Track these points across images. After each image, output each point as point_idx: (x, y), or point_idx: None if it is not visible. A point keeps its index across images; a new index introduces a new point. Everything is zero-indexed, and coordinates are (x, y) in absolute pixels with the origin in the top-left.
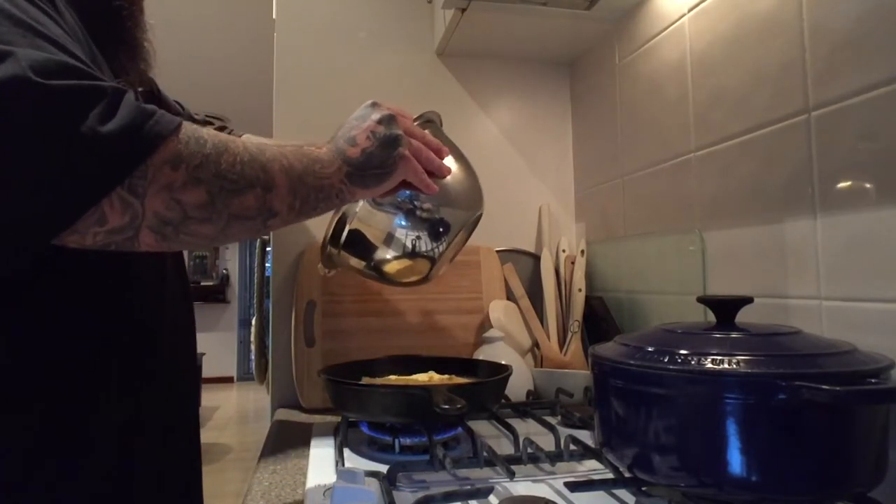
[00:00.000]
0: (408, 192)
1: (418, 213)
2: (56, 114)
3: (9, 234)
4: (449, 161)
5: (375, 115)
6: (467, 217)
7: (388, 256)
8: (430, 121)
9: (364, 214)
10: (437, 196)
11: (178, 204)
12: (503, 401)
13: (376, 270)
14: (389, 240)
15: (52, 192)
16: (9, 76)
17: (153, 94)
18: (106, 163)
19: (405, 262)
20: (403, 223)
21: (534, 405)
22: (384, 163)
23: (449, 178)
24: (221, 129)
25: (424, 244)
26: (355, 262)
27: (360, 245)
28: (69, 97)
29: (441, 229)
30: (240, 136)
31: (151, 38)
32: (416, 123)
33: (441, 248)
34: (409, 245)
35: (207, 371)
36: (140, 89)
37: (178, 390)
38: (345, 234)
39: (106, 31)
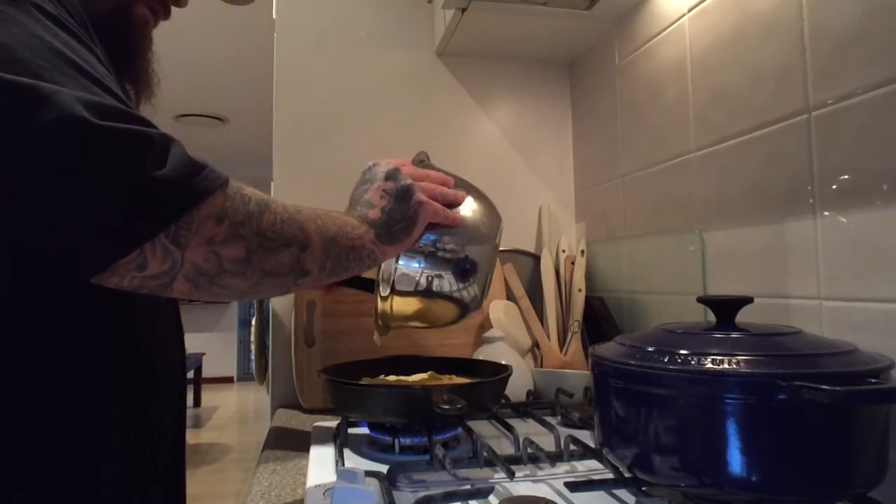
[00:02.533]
0: (432, 236)
1: (442, 253)
2: (110, 155)
3: (51, 270)
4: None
5: (380, 174)
6: (493, 232)
7: (440, 306)
8: (422, 161)
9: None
10: (461, 226)
11: (216, 257)
12: (503, 401)
13: (436, 321)
14: (435, 293)
15: (97, 232)
16: (66, 115)
17: None
18: (153, 209)
19: (454, 303)
20: (441, 269)
21: (534, 405)
22: (405, 215)
23: (463, 206)
24: None
25: (465, 277)
26: (413, 322)
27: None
28: (123, 140)
29: (474, 256)
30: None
31: (157, 68)
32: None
33: (484, 271)
34: (453, 286)
35: (207, 371)
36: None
37: (171, 397)
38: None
39: (118, 60)
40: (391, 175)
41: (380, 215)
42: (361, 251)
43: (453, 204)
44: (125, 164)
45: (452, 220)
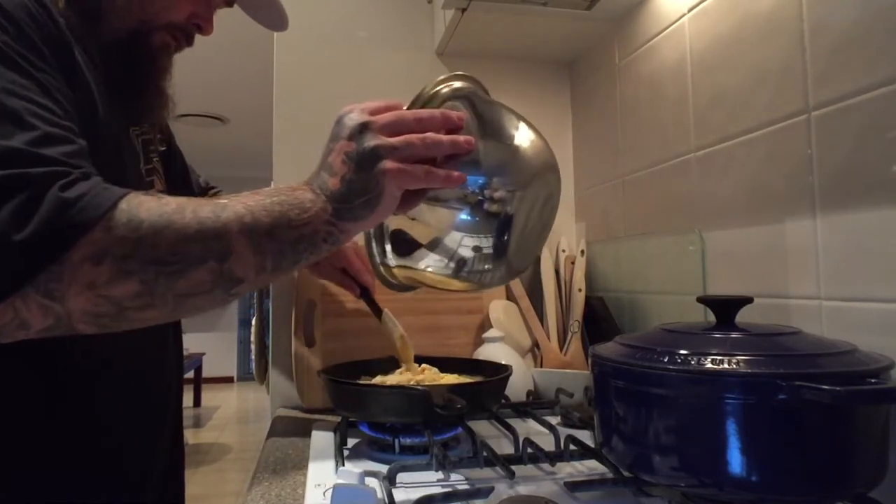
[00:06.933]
0: (480, 180)
1: (487, 204)
2: None
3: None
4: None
5: (344, 131)
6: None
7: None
8: (460, 97)
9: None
10: (496, 171)
11: (106, 300)
12: (503, 401)
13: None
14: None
15: None
16: None
17: (168, 147)
18: (5, 270)
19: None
20: (471, 217)
21: (534, 405)
22: (367, 187)
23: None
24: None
25: (505, 230)
26: (427, 275)
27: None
28: None
29: (516, 209)
30: (216, 193)
31: (173, 92)
32: (448, 104)
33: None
34: (486, 238)
35: (207, 371)
36: (159, 136)
37: (158, 442)
38: (387, 242)
39: (130, 82)
40: (354, 134)
41: (339, 185)
42: (314, 237)
43: (457, 152)
44: None
45: (445, 180)
